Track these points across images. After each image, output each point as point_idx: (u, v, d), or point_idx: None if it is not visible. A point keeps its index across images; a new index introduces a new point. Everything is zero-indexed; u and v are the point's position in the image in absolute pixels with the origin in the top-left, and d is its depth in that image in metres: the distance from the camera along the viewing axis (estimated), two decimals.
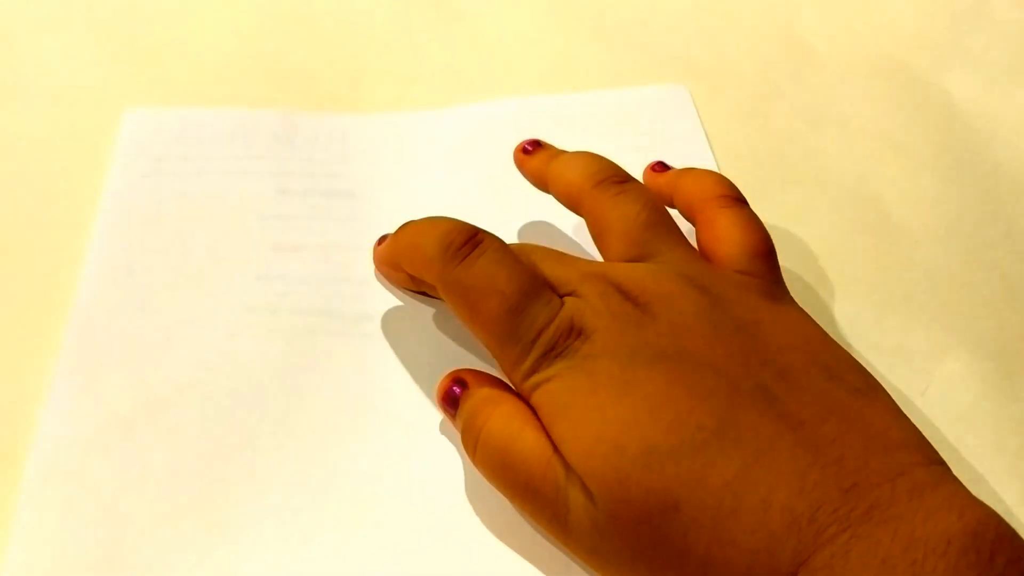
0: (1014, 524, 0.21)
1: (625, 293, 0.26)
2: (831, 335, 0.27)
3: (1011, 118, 0.42)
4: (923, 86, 0.43)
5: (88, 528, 0.26)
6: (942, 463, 0.23)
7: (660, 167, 0.34)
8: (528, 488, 0.25)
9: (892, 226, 0.37)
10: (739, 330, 0.25)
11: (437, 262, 0.27)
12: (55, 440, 0.28)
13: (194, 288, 0.32)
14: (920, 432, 0.24)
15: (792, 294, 0.29)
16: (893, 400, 0.25)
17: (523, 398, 0.26)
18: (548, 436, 0.25)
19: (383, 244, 0.32)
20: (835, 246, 0.36)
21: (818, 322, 0.27)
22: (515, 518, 0.27)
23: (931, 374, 0.32)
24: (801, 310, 0.28)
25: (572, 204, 0.31)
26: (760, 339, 0.25)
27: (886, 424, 0.23)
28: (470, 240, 0.27)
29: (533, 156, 0.33)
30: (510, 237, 0.29)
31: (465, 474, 0.28)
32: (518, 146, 0.34)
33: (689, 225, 0.31)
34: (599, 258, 0.31)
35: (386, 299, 0.32)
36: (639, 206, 0.29)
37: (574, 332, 0.25)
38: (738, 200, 0.30)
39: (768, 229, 0.30)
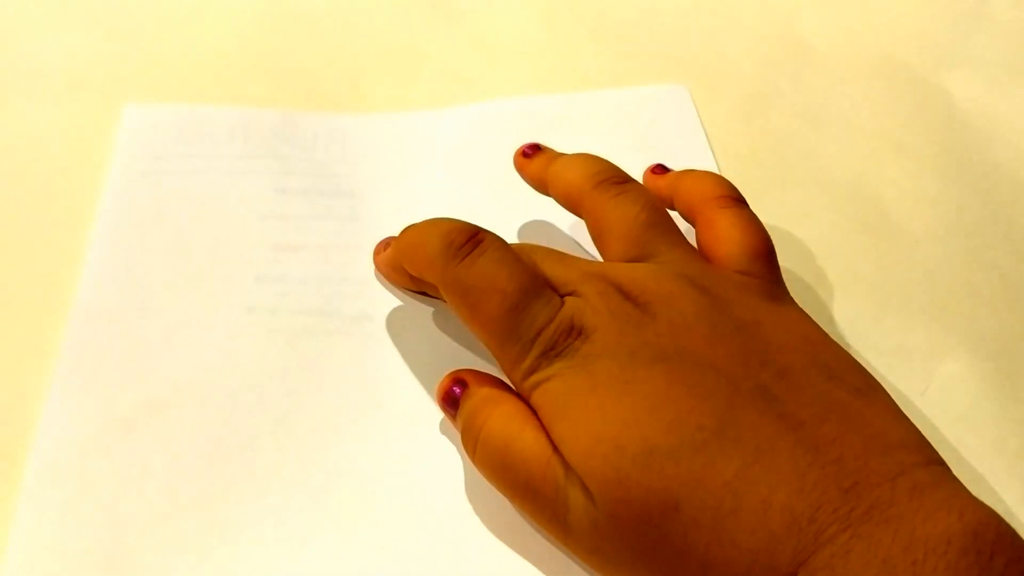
0: (1014, 524, 0.21)
1: (625, 293, 0.26)
2: (831, 335, 0.27)
3: (1011, 118, 0.42)
4: (923, 86, 0.43)
5: (88, 528, 0.26)
6: (942, 463, 0.23)
7: (660, 169, 0.34)
8: (528, 488, 0.25)
9: (892, 226, 0.37)
10: (739, 330, 0.25)
11: (438, 261, 0.27)
12: (55, 440, 0.28)
13: (194, 288, 0.32)
14: (920, 432, 0.24)
15: (792, 294, 0.29)
16: (893, 400, 0.25)
17: (523, 398, 0.26)
18: (548, 436, 0.25)
19: (387, 250, 0.32)
20: (835, 246, 0.36)
21: (818, 322, 0.27)
22: (515, 518, 0.27)
23: (931, 374, 0.32)
24: (801, 310, 0.28)
25: (572, 205, 0.31)
26: (760, 339, 0.25)
27: (886, 424, 0.23)
28: (471, 239, 0.27)
29: (533, 160, 0.33)
30: (510, 237, 0.29)
31: (465, 474, 0.28)
32: (518, 150, 0.34)
33: (689, 226, 0.31)
34: (599, 258, 0.31)
35: (386, 299, 0.32)
36: (639, 206, 0.29)
37: (574, 331, 0.25)
38: (738, 200, 0.30)
39: (768, 229, 0.30)
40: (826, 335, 0.27)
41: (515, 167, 0.34)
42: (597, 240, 0.30)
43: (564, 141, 0.35)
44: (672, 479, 0.22)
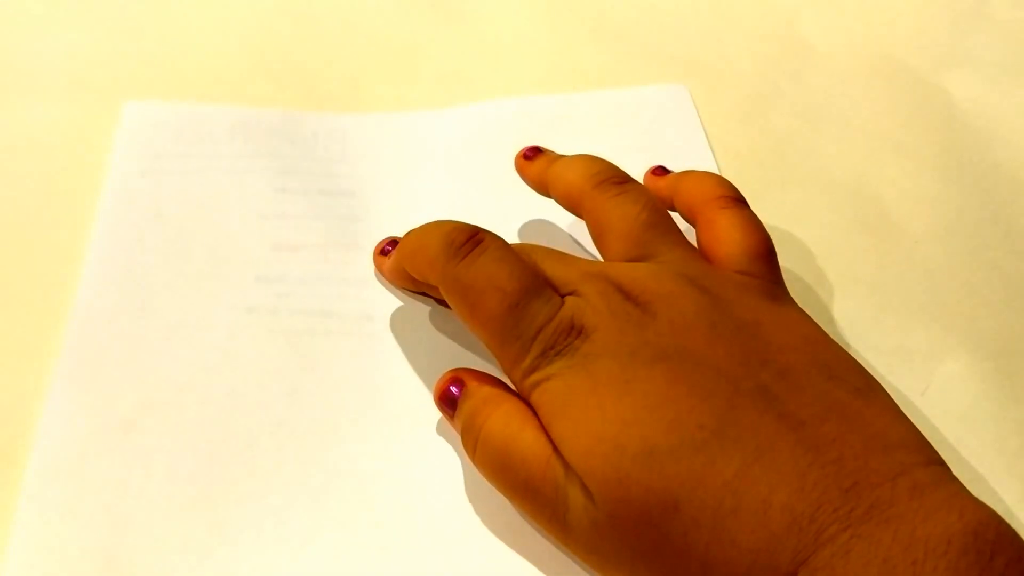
0: (1014, 524, 0.21)
1: (625, 293, 0.26)
2: (831, 335, 0.27)
3: (1011, 118, 0.42)
4: (923, 86, 0.43)
5: (88, 528, 0.26)
6: (942, 463, 0.23)
7: (660, 171, 0.34)
8: (528, 488, 0.25)
9: (892, 226, 0.37)
10: (739, 330, 0.25)
11: (439, 261, 0.27)
12: (55, 440, 0.28)
13: (194, 288, 0.32)
14: (920, 432, 0.24)
15: (792, 294, 0.29)
16: (893, 400, 0.25)
17: (523, 397, 0.26)
18: (547, 436, 0.25)
19: (390, 256, 0.32)
20: (835, 246, 0.36)
21: (818, 322, 0.27)
22: (515, 518, 0.27)
23: (931, 374, 0.32)
24: (801, 310, 0.28)
25: (572, 205, 0.31)
26: (760, 339, 0.25)
27: (886, 424, 0.23)
28: (471, 239, 0.27)
29: (534, 162, 0.33)
30: (510, 237, 0.29)
31: (465, 474, 0.28)
32: (519, 153, 0.34)
33: (689, 226, 0.31)
34: (600, 258, 0.31)
35: (386, 299, 0.32)
36: (639, 206, 0.29)
37: (574, 331, 0.25)
38: (738, 201, 0.30)
39: (768, 229, 0.30)
40: (826, 335, 0.27)
41: (516, 169, 0.34)
42: (597, 240, 0.30)
43: (564, 141, 0.35)
44: (672, 479, 0.22)
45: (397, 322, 0.32)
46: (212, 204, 0.35)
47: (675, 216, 0.31)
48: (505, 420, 0.25)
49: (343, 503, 0.27)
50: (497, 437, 0.25)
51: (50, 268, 0.33)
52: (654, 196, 0.30)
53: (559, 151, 0.34)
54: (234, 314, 0.32)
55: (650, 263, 0.28)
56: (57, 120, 0.38)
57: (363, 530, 0.27)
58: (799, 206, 0.37)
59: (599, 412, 0.23)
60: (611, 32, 0.45)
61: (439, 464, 0.28)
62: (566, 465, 0.24)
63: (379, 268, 0.33)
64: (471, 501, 0.28)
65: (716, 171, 0.37)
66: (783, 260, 0.29)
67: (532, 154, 0.34)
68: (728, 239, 0.29)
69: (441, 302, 0.32)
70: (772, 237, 0.29)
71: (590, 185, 0.30)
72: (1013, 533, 0.21)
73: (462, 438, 0.27)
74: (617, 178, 0.30)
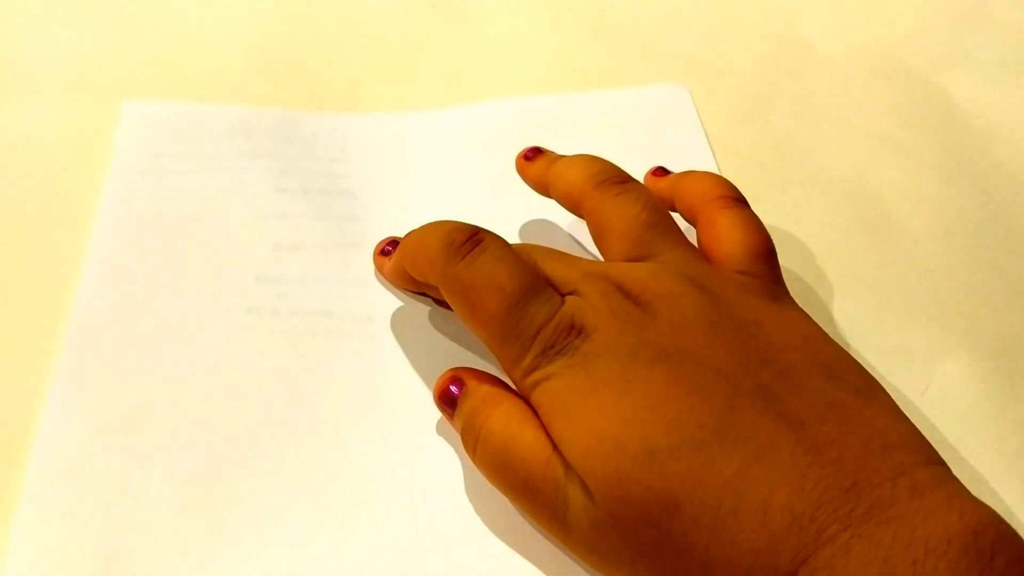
0: (1014, 524, 0.21)
1: (626, 292, 0.26)
2: (831, 335, 0.27)
3: (1011, 118, 0.42)
4: (923, 86, 0.43)
5: (88, 528, 0.26)
6: (942, 463, 0.23)
7: (660, 172, 0.34)
8: (527, 487, 0.25)
9: (892, 226, 0.37)
10: (739, 330, 0.25)
11: (439, 261, 0.27)
12: (55, 440, 0.28)
13: (194, 289, 0.32)
14: (920, 432, 0.24)
15: (792, 294, 0.29)
16: (893, 400, 0.25)
17: (523, 397, 0.26)
18: (548, 435, 0.25)
19: (390, 256, 0.32)
20: (835, 246, 0.36)
21: (818, 322, 0.27)
22: (515, 518, 0.27)
23: (931, 374, 0.32)
24: (801, 310, 0.28)
25: (573, 205, 0.31)
26: (760, 339, 0.25)
27: (886, 424, 0.23)
28: (471, 238, 0.27)
29: (534, 162, 0.33)
30: (510, 237, 0.29)
31: (465, 474, 0.28)
32: (519, 154, 0.34)
33: (690, 226, 0.31)
34: (600, 258, 0.31)
35: (386, 299, 0.32)
36: (640, 206, 0.29)
37: (574, 330, 0.25)
38: (738, 201, 0.30)
39: (768, 229, 0.30)
40: (826, 335, 0.27)
41: (517, 170, 0.34)
42: (598, 240, 0.30)
43: (564, 141, 0.35)
44: (672, 478, 0.22)
45: (397, 322, 0.32)
46: (212, 204, 0.35)
47: (676, 217, 0.31)
48: (505, 419, 0.25)
49: (343, 503, 0.27)
50: (497, 436, 0.25)
51: (50, 268, 0.33)
52: (655, 196, 0.30)
53: (559, 151, 0.34)
54: (234, 314, 0.32)
55: (650, 263, 0.28)
56: (57, 120, 0.38)
57: (363, 530, 0.27)
58: (799, 206, 0.37)
59: (599, 411, 0.23)
60: (611, 32, 0.45)
61: (439, 464, 0.28)
62: (566, 464, 0.24)
63: (379, 268, 0.33)
64: (471, 501, 0.28)
65: (716, 171, 0.37)
66: (783, 260, 0.29)
67: (533, 155, 0.34)
68: (728, 239, 0.29)
69: (441, 303, 0.32)
70: (772, 237, 0.29)
71: (591, 185, 0.30)
72: (1013, 533, 0.21)
73: (462, 437, 0.27)
74: (618, 178, 0.30)
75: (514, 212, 0.36)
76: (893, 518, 0.20)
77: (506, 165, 0.35)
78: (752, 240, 0.29)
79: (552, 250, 0.28)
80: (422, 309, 0.32)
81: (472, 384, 0.27)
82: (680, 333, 0.25)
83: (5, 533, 0.26)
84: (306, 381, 0.30)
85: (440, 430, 0.29)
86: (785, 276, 0.29)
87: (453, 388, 0.27)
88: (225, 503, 0.27)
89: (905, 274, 0.35)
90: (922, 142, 0.40)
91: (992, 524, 0.20)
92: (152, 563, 0.26)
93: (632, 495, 0.22)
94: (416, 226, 0.29)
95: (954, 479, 0.22)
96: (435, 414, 0.29)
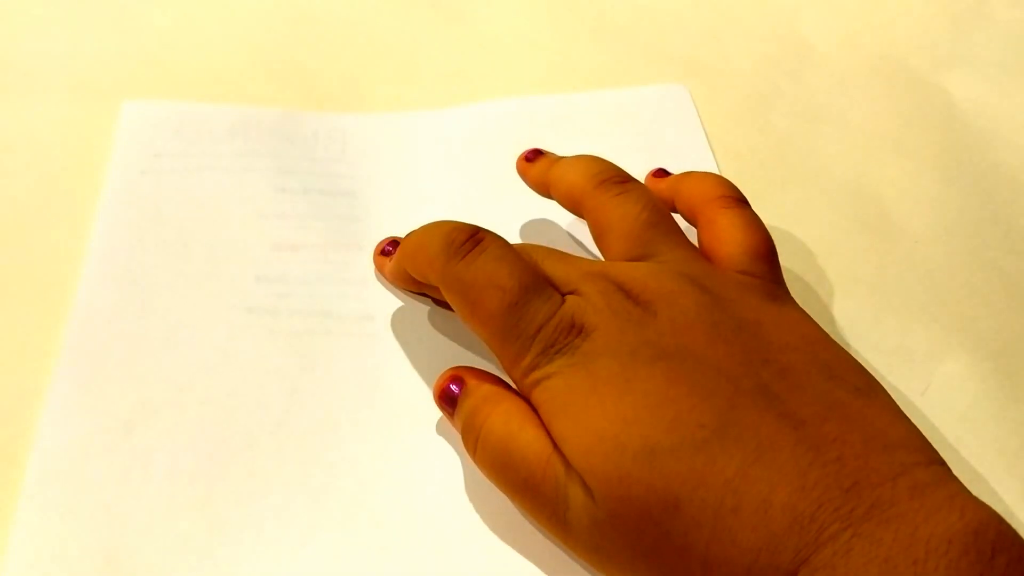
0: (1014, 524, 0.21)
1: (626, 292, 0.26)
2: (831, 335, 0.27)
3: (1011, 118, 0.42)
4: (923, 86, 0.43)
5: (88, 528, 0.26)
6: (942, 463, 0.23)
7: (661, 173, 0.34)
8: (528, 486, 0.25)
9: (892, 226, 0.37)
10: (740, 329, 0.25)
11: (439, 260, 0.27)
12: (55, 440, 0.28)
13: (194, 288, 0.32)
14: (920, 432, 0.24)
15: (792, 294, 0.29)
16: (893, 400, 0.25)
17: (523, 396, 0.26)
18: (548, 434, 0.25)
19: (391, 257, 0.32)
20: (835, 246, 0.36)
21: (818, 322, 0.27)
22: (515, 517, 0.27)
23: (931, 374, 0.32)
24: (801, 310, 0.28)
25: (573, 205, 0.31)
26: (761, 338, 0.25)
27: (886, 424, 0.23)
28: (471, 238, 0.27)
29: (535, 164, 0.34)
30: (511, 237, 0.29)
31: (465, 473, 0.28)
32: (520, 155, 0.34)
33: (690, 227, 0.31)
34: (600, 258, 0.31)
35: (386, 299, 0.32)
36: (640, 206, 0.29)
37: (575, 329, 0.25)
38: (739, 201, 0.30)
39: (768, 229, 0.30)
40: (826, 335, 0.27)
41: (518, 172, 0.34)
42: (598, 239, 0.30)
43: (564, 141, 0.35)
44: (673, 477, 0.22)
45: (397, 322, 0.32)
46: (212, 204, 0.35)
47: (677, 218, 0.31)
48: (505, 418, 0.25)
49: (343, 503, 0.27)
50: (497, 435, 0.25)
51: (50, 268, 0.33)
52: (655, 196, 0.30)
53: (559, 151, 0.34)
54: (234, 314, 0.32)
55: (651, 262, 0.28)
56: (57, 120, 0.38)
57: (363, 530, 0.27)
58: (799, 206, 0.37)
59: (600, 411, 0.23)
60: (611, 32, 0.45)
61: (439, 464, 0.28)
62: (566, 463, 0.24)
63: (379, 269, 0.33)
64: (471, 501, 0.28)
65: (716, 171, 0.37)
66: (783, 260, 0.29)
67: (533, 156, 0.34)
68: (729, 239, 0.29)
69: (441, 303, 0.32)
70: (772, 237, 0.29)
71: (591, 185, 0.30)
72: (1014, 533, 0.21)
73: (462, 436, 0.27)
74: (618, 178, 0.30)
75: (514, 212, 0.36)
76: (894, 518, 0.20)
77: (506, 165, 0.35)
78: (753, 240, 0.29)
79: (552, 250, 0.28)
80: (422, 309, 0.32)
81: (472, 383, 0.27)
82: (681, 332, 0.25)
83: (5, 533, 0.26)
84: (306, 381, 0.30)
85: (440, 430, 0.29)
86: (785, 276, 0.29)
87: (453, 387, 0.27)
88: (225, 503, 0.27)
89: (905, 274, 0.35)
90: (922, 142, 0.40)
91: (993, 524, 0.20)
92: (152, 563, 0.26)
93: (633, 494, 0.22)
94: (416, 226, 0.29)
95: (954, 479, 0.22)
96: (435, 414, 0.29)
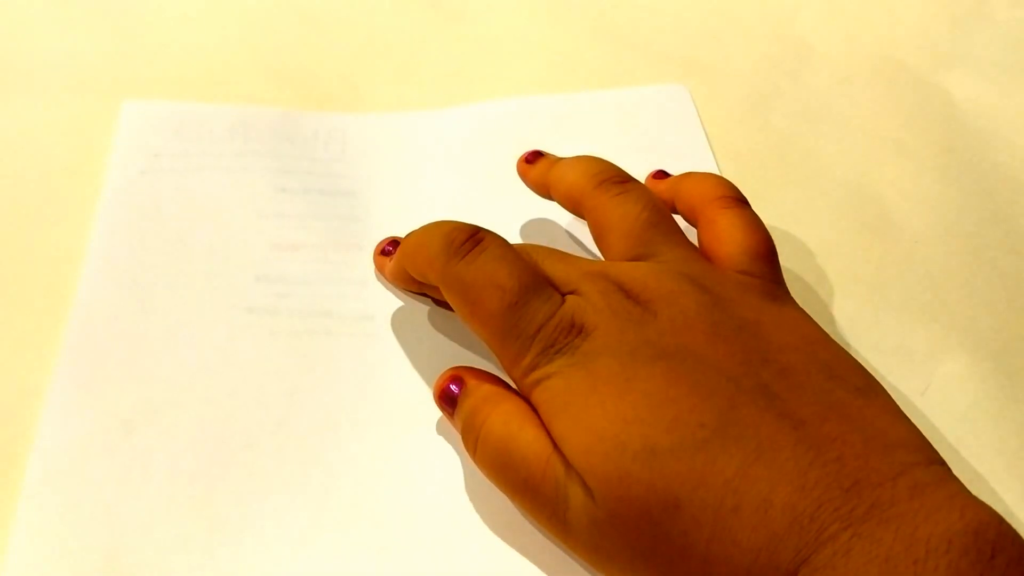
0: (1014, 524, 0.21)
1: (626, 291, 0.26)
2: (831, 335, 0.27)
3: (1011, 118, 0.42)
4: (923, 86, 0.43)
5: (88, 528, 0.26)
6: (942, 463, 0.23)
7: (661, 175, 0.34)
8: (528, 486, 0.25)
9: (892, 226, 0.37)
10: (740, 329, 0.25)
11: (439, 260, 0.27)
12: (55, 440, 0.28)
13: (194, 288, 0.32)
14: (920, 432, 0.24)
15: (792, 294, 0.29)
16: (893, 400, 0.25)
17: (524, 396, 0.26)
18: (548, 434, 0.25)
19: (391, 257, 0.32)
20: (835, 246, 0.36)
21: (818, 322, 0.27)
22: (515, 517, 0.27)
23: (931, 374, 0.32)
24: (801, 310, 0.28)
25: (574, 206, 0.31)
26: (761, 338, 0.25)
27: (886, 424, 0.23)
28: (471, 238, 0.27)
29: (535, 165, 0.34)
30: (511, 237, 0.29)
31: (465, 473, 0.28)
32: (521, 157, 0.34)
33: (690, 227, 0.31)
34: (600, 258, 0.31)
35: (386, 299, 0.32)
36: (640, 205, 0.29)
37: (575, 329, 0.25)
38: (739, 201, 0.30)
39: (768, 229, 0.30)
40: (826, 335, 0.27)
41: (518, 174, 0.34)
42: (598, 239, 0.30)
43: (564, 141, 0.35)
44: (673, 477, 0.22)
45: (397, 322, 0.32)
46: (212, 203, 0.35)
47: (677, 218, 0.31)
48: (505, 418, 0.25)
49: (343, 503, 0.27)
50: (497, 435, 0.25)
51: (50, 268, 0.33)
52: (656, 196, 0.30)
53: (559, 151, 0.34)
54: (234, 314, 0.32)
55: (651, 262, 0.28)
56: (57, 120, 0.38)
57: (363, 530, 0.27)
58: (799, 206, 0.37)
59: (600, 410, 0.23)
60: (611, 32, 0.45)
61: (439, 464, 0.28)
62: (566, 463, 0.24)
63: (380, 268, 0.33)
64: (471, 501, 0.28)
65: (716, 171, 0.37)
66: (783, 260, 0.29)
67: (533, 158, 0.34)
68: (729, 239, 0.29)
69: (441, 303, 0.32)
70: (772, 237, 0.29)
71: (591, 185, 0.30)
72: (1014, 533, 0.21)
73: (462, 437, 0.27)
74: (618, 178, 0.30)
75: (514, 212, 0.36)
76: (894, 517, 0.20)
77: (506, 165, 0.35)
78: (753, 240, 0.29)
79: (552, 250, 0.28)
80: (422, 309, 0.32)
81: (472, 383, 0.27)
82: (681, 332, 0.25)
83: (5, 533, 0.26)
84: (306, 381, 0.30)
85: (440, 430, 0.29)
86: (785, 276, 0.29)
87: (453, 387, 0.27)
88: (225, 503, 0.27)
89: (905, 274, 0.35)
90: (922, 142, 0.40)
91: (993, 524, 0.20)
92: (152, 563, 0.26)
93: (633, 494, 0.22)
94: (416, 226, 0.29)
95: (954, 479, 0.22)
96: (435, 414, 0.29)
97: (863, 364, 0.26)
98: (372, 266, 0.33)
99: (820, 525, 0.21)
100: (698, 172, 0.33)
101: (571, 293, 0.26)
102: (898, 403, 0.25)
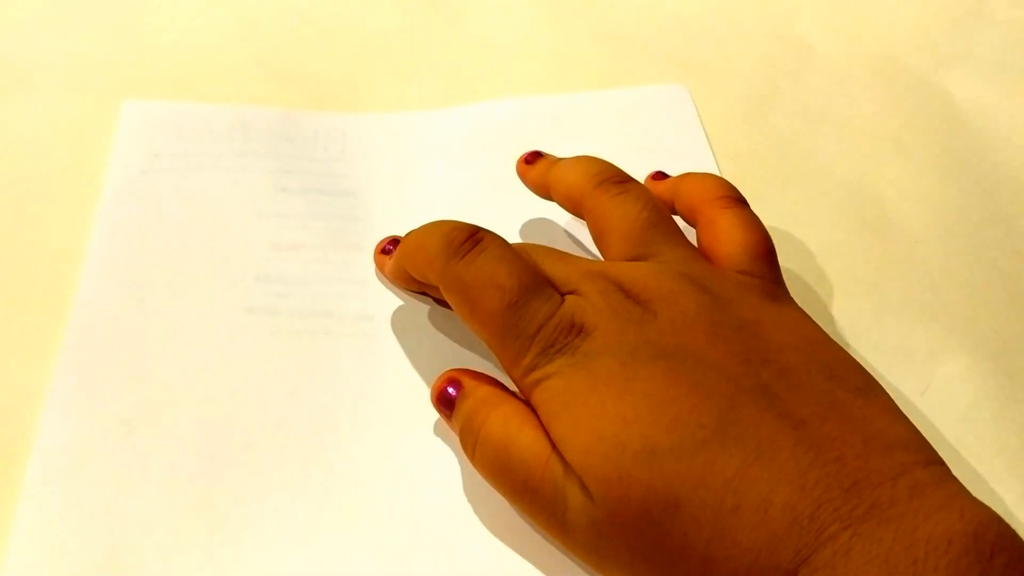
0: (1014, 524, 0.21)
1: (626, 291, 0.26)
2: (831, 335, 0.27)
3: (1011, 118, 0.42)
4: (923, 86, 0.43)
5: (88, 528, 0.26)
6: (942, 463, 0.23)
7: (660, 176, 0.34)
8: (526, 488, 0.25)
9: (892, 226, 0.37)
10: (740, 329, 0.25)
11: (438, 260, 0.27)
12: (55, 440, 0.28)
13: (194, 288, 0.32)
14: (920, 432, 0.24)
15: (792, 294, 0.29)
16: (893, 400, 0.25)
17: (523, 397, 0.26)
18: (547, 436, 0.25)
19: (391, 256, 0.32)
20: (835, 246, 0.36)
21: (818, 322, 0.27)
22: (514, 518, 0.27)
23: (931, 374, 0.32)
24: (801, 310, 0.28)
25: (573, 206, 0.31)
26: (761, 338, 0.25)
27: (886, 424, 0.23)
28: (471, 238, 0.27)
29: (535, 166, 0.34)
30: (511, 237, 0.29)
31: (464, 474, 0.28)
32: (520, 158, 0.34)
33: (690, 227, 0.31)
34: (600, 258, 0.31)
35: (386, 299, 0.32)
36: (640, 205, 0.29)
37: (574, 329, 0.25)
38: (739, 201, 0.30)
39: (768, 229, 0.30)
40: (826, 335, 0.27)
41: (518, 174, 0.34)
42: (598, 239, 0.30)
43: (564, 141, 0.35)
44: (673, 477, 0.22)
45: (397, 322, 0.32)
46: (212, 203, 0.35)
47: (677, 219, 0.31)
48: (504, 420, 0.25)
49: (343, 503, 0.27)
50: (496, 437, 0.25)
51: (50, 268, 0.33)
52: (655, 196, 0.30)
53: (559, 151, 0.34)
54: (234, 314, 0.32)
55: (651, 262, 0.28)
56: (57, 120, 0.38)
57: (363, 530, 0.27)
58: (799, 206, 0.37)
59: (599, 410, 0.23)
60: (611, 32, 0.45)
61: (439, 464, 0.28)
62: (565, 464, 0.24)
63: (380, 268, 0.33)
64: (470, 501, 0.28)
65: (716, 171, 0.37)
66: (783, 260, 0.29)
67: (533, 159, 0.34)
68: (729, 239, 0.29)
69: (441, 302, 0.32)
70: (772, 237, 0.29)
71: (591, 185, 0.30)
72: (1013, 533, 0.21)
73: (460, 439, 0.27)
74: (618, 178, 0.30)
75: (514, 212, 0.36)
76: (894, 518, 0.20)
77: (506, 165, 0.35)
78: (752, 240, 0.29)
79: (552, 249, 0.28)
80: (422, 309, 0.32)
81: (470, 385, 0.27)
82: (681, 332, 0.25)
83: (5, 533, 0.26)
84: (306, 381, 0.30)
85: (440, 430, 0.29)
86: (785, 276, 0.29)
87: (451, 390, 0.27)
88: (225, 503, 0.27)
89: (905, 274, 0.35)
90: (922, 142, 0.40)
91: (992, 524, 0.20)
92: (152, 563, 0.26)
93: (632, 494, 0.22)
94: (416, 226, 0.29)
95: (954, 479, 0.22)
96: (435, 414, 0.29)
97: (863, 364, 0.26)
98: (372, 266, 0.33)
99: (820, 525, 0.21)
100: (697, 172, 0.33)
101: (571, 293, 0.26)
102: (898, 403, 0.25)
